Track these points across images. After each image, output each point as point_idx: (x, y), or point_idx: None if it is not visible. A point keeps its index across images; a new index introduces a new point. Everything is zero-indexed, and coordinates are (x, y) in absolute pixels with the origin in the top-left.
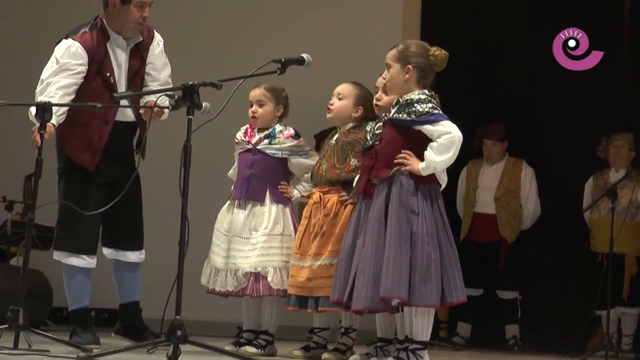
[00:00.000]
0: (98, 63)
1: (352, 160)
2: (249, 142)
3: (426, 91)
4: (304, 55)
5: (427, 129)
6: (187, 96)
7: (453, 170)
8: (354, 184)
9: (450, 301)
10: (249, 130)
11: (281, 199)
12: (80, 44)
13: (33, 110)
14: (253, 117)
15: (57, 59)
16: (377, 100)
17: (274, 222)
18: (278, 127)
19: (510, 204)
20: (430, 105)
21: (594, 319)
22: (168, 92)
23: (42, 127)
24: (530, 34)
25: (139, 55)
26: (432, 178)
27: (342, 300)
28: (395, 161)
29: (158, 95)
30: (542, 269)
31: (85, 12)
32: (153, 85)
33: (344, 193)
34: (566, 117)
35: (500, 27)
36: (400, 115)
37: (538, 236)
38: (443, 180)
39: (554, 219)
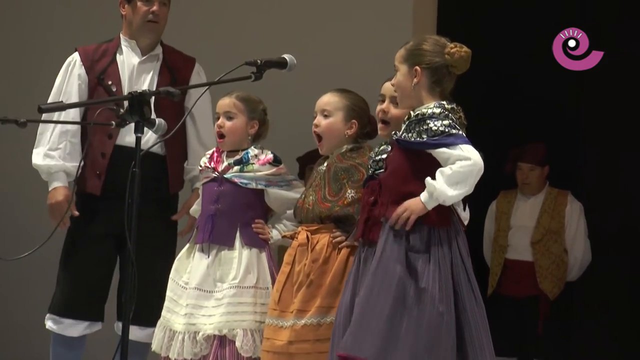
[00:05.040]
0: (99, 71)
1: (349, 191)
2: (214, 170)
3: (445, 103)
4: (286, 56)
5: (441, 152)
6: (135, 108)
7: (478, 206)
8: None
9: None
10: (216, 154)
11: (255, 241)
12: (79, 54)
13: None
14: (219, 134)
15: (55, 86)
16: (384, 112)
17: (245, 271)
18: (252, 151)
19: (551, 248)
20: (447, 122)
21: None
22: (111, 106)
23: None
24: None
25: (169, 75)
26: (447, 219)
27: None
28: (395, 226)
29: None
30: (592, 332)
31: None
32: (193, 141)
33: (337, 232)
34: (623, 138)
35: (540, 19)
36: (410, 134)
37: (587, 290)
38: (463, 217)
39: (607, 268)
